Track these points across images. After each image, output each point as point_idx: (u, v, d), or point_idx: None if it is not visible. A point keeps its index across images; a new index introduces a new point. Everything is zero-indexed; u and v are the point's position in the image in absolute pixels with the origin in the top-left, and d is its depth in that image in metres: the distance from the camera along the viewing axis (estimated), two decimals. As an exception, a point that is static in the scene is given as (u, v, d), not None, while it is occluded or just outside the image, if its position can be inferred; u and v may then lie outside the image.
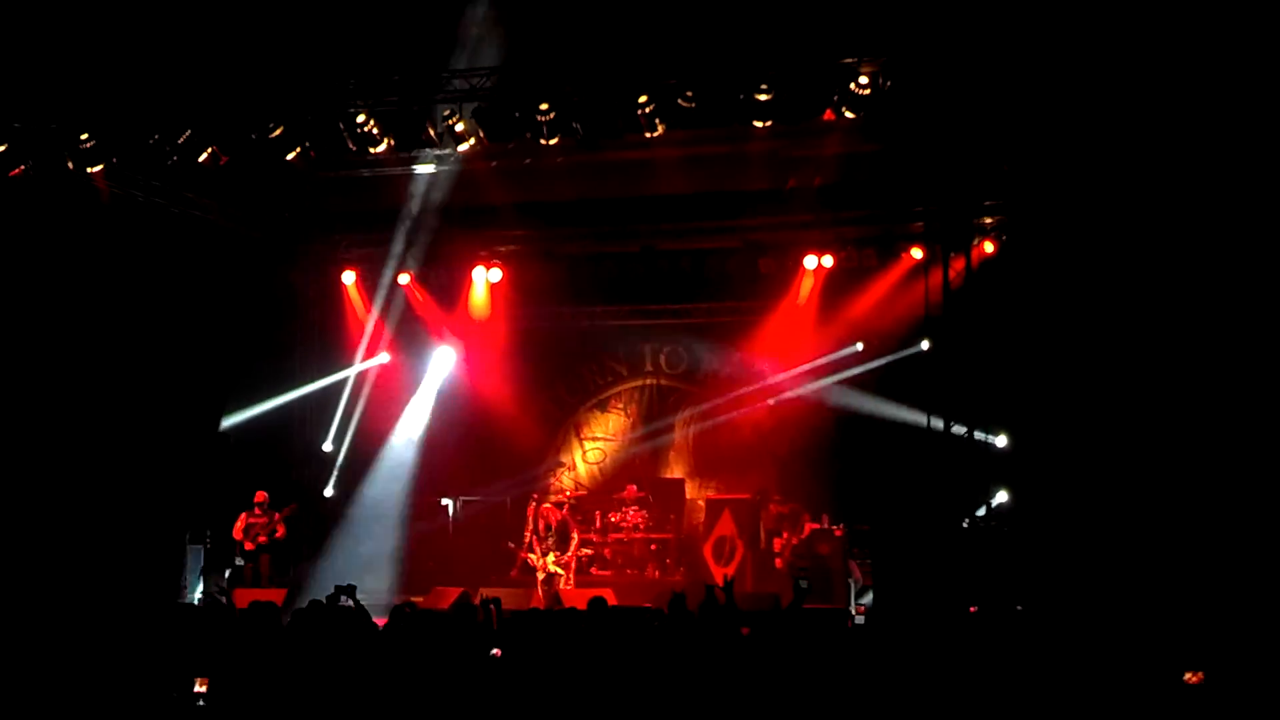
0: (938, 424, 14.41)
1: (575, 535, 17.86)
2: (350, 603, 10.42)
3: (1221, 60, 13.71)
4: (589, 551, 18.77)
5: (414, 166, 16.75)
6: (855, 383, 19.10)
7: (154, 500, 17.44)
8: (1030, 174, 16.59)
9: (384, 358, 21.09)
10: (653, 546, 19.09)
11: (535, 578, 17.43)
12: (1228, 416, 15.04)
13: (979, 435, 14.57)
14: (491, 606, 10.79)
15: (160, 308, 17.59)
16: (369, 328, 20.77)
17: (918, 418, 16.39)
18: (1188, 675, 7.45)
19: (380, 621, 10.18)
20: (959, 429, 14.31)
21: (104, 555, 16.37)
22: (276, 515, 17.32)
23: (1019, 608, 12.84)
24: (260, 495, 17.54)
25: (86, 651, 9.23)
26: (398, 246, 19.42)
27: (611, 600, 12.03)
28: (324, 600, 10.33)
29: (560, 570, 17.38)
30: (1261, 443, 14.85)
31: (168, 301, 17.67)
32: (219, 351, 18.58)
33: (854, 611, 15.24)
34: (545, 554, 17.43)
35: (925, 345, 15.83)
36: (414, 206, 18.05)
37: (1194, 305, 15.37)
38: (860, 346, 19.16)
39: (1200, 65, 13.85)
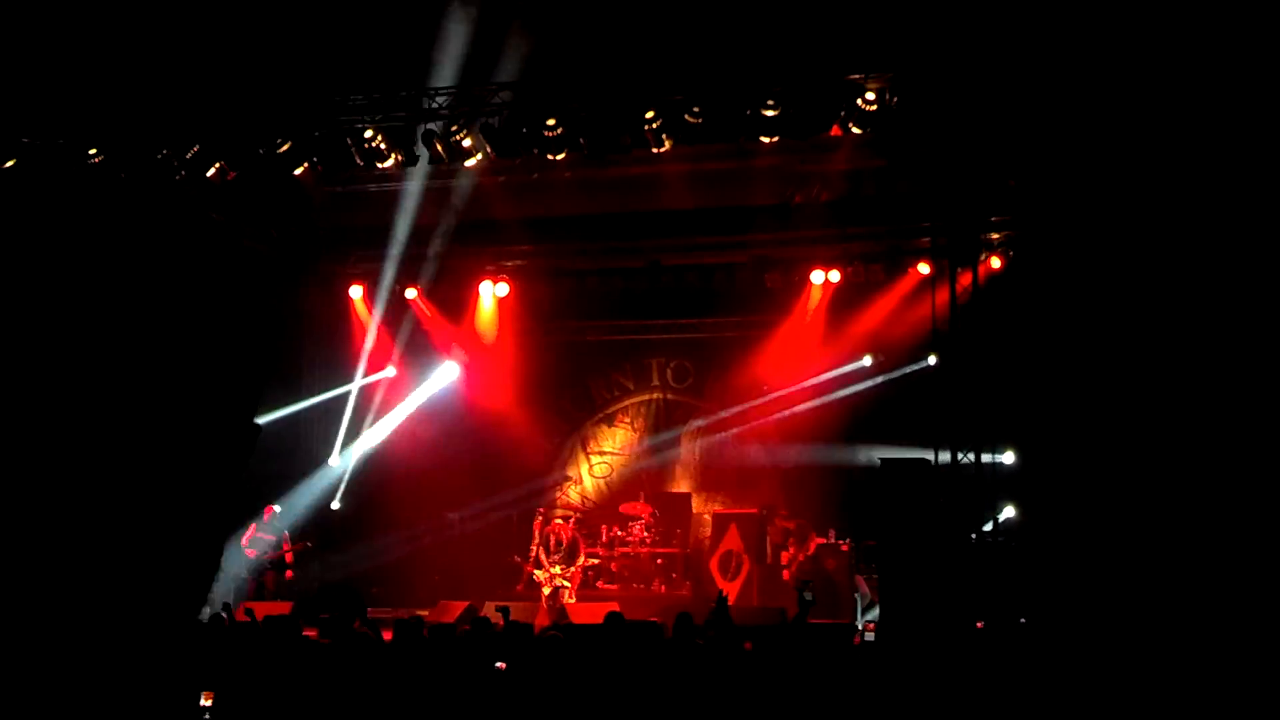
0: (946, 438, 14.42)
1: (583, 551, 17.89)
2: (360, 618, 10.41)
3: (1227, 73, 13.75)
4: (595, 562, 18.77)
5: (421, 181, 16.79)
6: (862, 397, 19.08)
7: (157, 513, 17.36)
8: (1037, 189, 16.62)
9: (390, 372, 21.08)
10: (659, 561, 19.07)
11: (540, 592, 17.44)
12: (1236, 427, 15.03)
13: (986, 451, 14.53)
14: (499, 617, 10.81)
15: (164, 319, 17.55)
16: (374, 342, 20.83)
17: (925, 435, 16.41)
18: None
19: (386, 635, 10.18)
20: (966, 449, 14.28)
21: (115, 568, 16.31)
22: (287, 544, 17.29)
23: (1022, 621, 12.83)
24: (269, 510, 17.51)
25: (95, 665, 9.19)
26: (405, 261, 19.49)
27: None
28: (333, 616, 10.33)
29: (566, 584, 17.38)
30: (1270, 454, 14.84)
31: (171, 313, 17.62)
32: (225, 365, 18.51)
33: (861, 627, 15.21)
34: (552, 568, 17.44)
35: (933, 360, 15.81)
36: (420, 221, 18.09)
37: (1202, 318, 15.37)
38: (868, 361, 19.14)
39: (1206, 78, 13.88)
